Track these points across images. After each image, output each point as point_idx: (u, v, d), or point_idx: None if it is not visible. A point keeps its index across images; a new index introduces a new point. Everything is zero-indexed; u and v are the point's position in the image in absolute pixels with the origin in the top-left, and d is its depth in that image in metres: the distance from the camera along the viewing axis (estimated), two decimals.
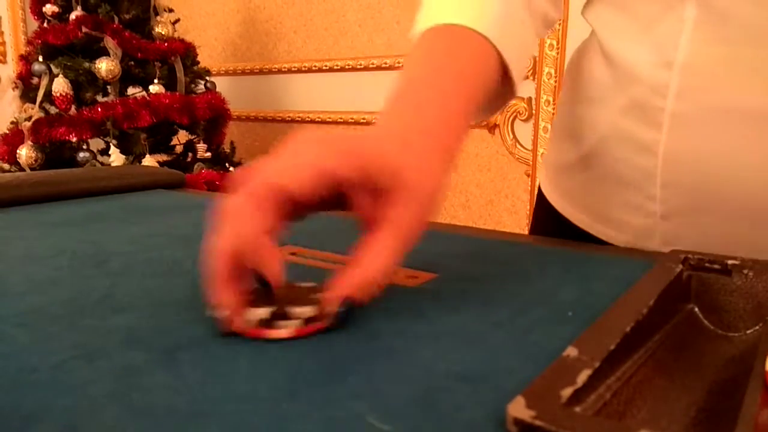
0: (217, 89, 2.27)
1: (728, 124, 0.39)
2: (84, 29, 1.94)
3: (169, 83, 2.09)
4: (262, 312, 0.29)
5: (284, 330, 0.28)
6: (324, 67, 2.32)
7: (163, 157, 2.08)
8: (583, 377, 0.21)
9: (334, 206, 0.32)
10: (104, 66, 1.93)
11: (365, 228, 0.31)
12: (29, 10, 2.17)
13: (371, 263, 0.30)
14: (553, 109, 1.82)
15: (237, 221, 0.29)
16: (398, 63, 2.06)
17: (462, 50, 0.40)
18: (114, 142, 1.93)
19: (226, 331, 0.28)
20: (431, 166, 0.33)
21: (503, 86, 0.44)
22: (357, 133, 0.32)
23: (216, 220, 0.29)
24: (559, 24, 1.81)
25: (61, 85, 1.91)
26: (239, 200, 0.29)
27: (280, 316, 0.29)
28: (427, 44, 0.41)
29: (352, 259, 0.30)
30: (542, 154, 1.85)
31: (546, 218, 0.58)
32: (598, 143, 0.48)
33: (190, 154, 2.19)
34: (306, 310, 0.29)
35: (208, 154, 2.15)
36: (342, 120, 2.27)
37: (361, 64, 2.20)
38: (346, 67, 2.25)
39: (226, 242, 0.29)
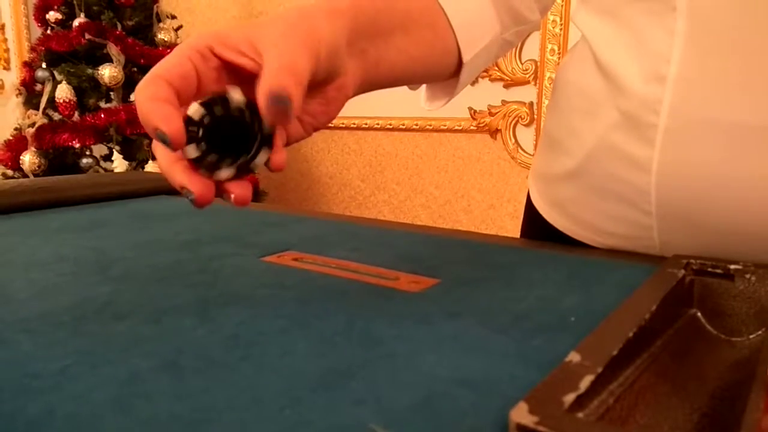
0: None
1: (722, 139, 0.39)
2: (87, 36, 1.95)
3: None
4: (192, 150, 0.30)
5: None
6: None
7: None
8: (585, 383, 0.21)
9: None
10: (107, 72, 1.94)
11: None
12: (33, 17, 2.18)
13: (274, 61, 0.30)
14: None
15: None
16: None
17: None
18: (117, 148, 1.93)
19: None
20: (296, 10, 0.34)
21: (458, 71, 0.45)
22: None
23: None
24: (560, 29, 1.81)
25: (64, 92, 1.91)
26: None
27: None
28: None
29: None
30: None
31: (535, 226, 0.57)
32: (588, 157, 0.47)
33: None
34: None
35: None
36: (344, 125, 2.28)
37: None
38: None
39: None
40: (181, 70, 0.31)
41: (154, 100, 0.29)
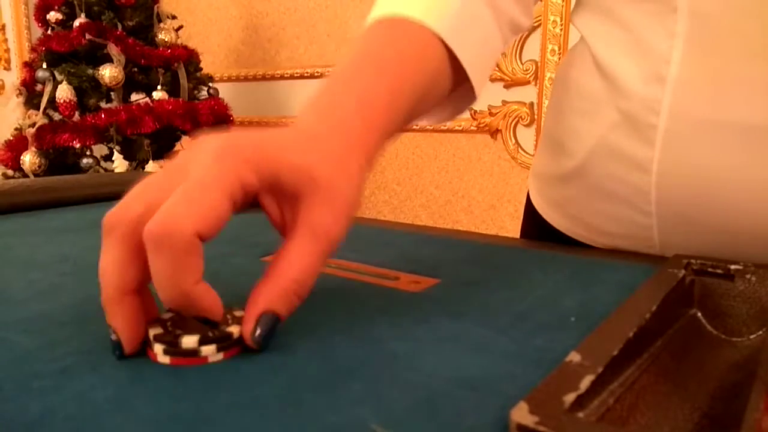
0: (220, 95, 2.28)
1: (722, 140, 0.39)
2: (88, 36, 1.95)
3: (172, 89, 2.10)
4: (157, 332, 0.27)
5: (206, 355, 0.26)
6: (326, 73, 2.32)
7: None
8: (585, 383, 0.21)
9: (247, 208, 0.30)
10: (108, 72, 1.94)
11: (281, 233, 0.30)
12: (33, 18, 2.19)
13: (288, 272, 0.27)
14: None
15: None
16: None
17: (398, 42, 0.38)
18: (117, 148, 1.93)
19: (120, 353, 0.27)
20: (342, 164, 0.30)
21: (459, 85, 0.43)
22: (259, 132, 0.30)
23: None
24: (561, 29, 1.81)
25: (64, 92, 1.92)
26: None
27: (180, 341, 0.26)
28: (364, 37, 0.39)
29: (268, 269, 0.28)
30: None
31: (536, 227, 0.57)
32: (588, 158, 0.47)
33: None
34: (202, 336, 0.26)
35: None
36: None
37: None
38: None
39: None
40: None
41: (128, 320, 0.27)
